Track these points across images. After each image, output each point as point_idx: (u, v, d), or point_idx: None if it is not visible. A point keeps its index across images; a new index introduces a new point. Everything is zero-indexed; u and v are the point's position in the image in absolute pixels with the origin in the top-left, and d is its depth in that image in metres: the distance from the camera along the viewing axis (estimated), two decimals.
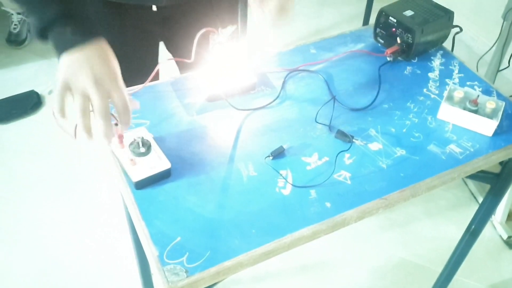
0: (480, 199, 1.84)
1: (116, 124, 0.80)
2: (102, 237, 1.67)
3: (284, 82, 1.03)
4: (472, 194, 1.89)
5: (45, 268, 1.58)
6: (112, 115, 0.75)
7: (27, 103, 2.10)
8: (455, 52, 1.14)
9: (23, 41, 2.39)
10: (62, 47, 0.72)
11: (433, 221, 1.81)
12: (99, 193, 1.81)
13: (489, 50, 1.85)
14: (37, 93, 2.15)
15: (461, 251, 1.27)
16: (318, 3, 2.89)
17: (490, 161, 0.90)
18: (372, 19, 2.64)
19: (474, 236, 1.22)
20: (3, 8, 2.39)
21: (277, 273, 1.62)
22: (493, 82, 1.84)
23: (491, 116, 0.92)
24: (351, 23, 2.75)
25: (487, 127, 0.93)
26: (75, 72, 0.71)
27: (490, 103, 0.94)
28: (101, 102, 0.70)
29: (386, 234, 1.75)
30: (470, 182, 1.90)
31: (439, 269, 1.45)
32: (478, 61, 1.88)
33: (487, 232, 1.75)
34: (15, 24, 2.38)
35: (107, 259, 1.62)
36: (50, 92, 2.19)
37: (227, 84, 0.97)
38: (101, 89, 0.71)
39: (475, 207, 1.87)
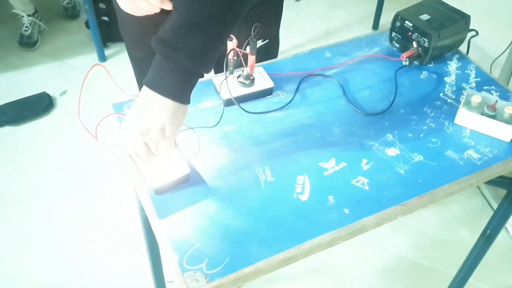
0: (493, 202, 1.83)
1: None
2: (115, 239, 1.68)
3: (299, 87, 1.03)
4: (485, 197, 1.88)
5: (58, 269, 1.59)
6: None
7: (39, 105, 2.11)
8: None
9: (35, 42, 2.41)
10: (179, 89, 0.74)
11: (445, 224, 1.80)
12: (113, 194, 1.82)
13: (503, 52, 1.84)
14: (48, 95, 2.16)
15: (475, 256, 1.27)
16: (327, 4, 2.89)
17: (509, 167, 0.90)
18: (383, 20, 2.68)
19: (489, 241, 1.21)
20: (13, 10, 2.40)
21: (287, 275, 1.62)
22: (507, 85, 1.82)
23: (509, 121, 0.92)
24: (361, 24, 2.74)
25: (505, 132, 0.92)
26: (178, 123, 0.76)
27: (509, 108, 0.93)
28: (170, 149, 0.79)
29: (398, 236, 1.75)
30: (483, 185, 1.89)
31: (452, 272, 1.44)
32: (492, 64, 1.86)
33: (500, 235, 1.74)
34: (26, 27, 2.39)
35: (121, 262, 1.62)
36: (62, 94, 2.20)
37: (244, 89, 0.97)
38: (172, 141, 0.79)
39: (487, 210, 1.87)
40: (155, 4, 0.87)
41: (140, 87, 1.33)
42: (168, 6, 0.86)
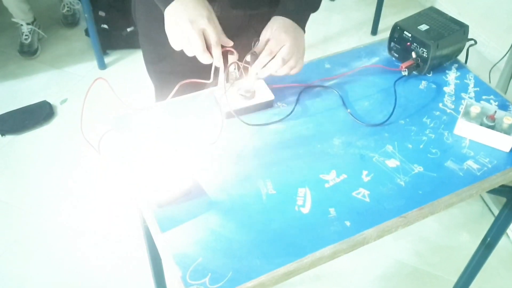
0: (494, 208, 1.83)
1: None
2: (118, 249, 1.68)
3: (299, 98, 1.03)
4: (485, 202, 1.89)
5: (60, 278, 1.59)
6: None
7: (39, 114, 2.12)
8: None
9: (36, 51, 2.42)
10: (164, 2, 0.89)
11: (446, 229, 1.80)
12: (115, 204, 1.82)
13: (502, 57, 1.85)
14: (49, 104, 2.16)
15: (476, 263, 1.27)
16: (326, 9, 2.90)
17: (508, 177, 0.90)
18: (381, 26, 2.69)
19: (490, 249, 1.22)
20: (13, 19, 2.41)
21: (289, 281, 1.62)
22: (506, 91, 1.83)
23: (508, 132, 0.92)
24: (360, 29, 2.75)
25: (505, 143, 0.93)
26: (175, 20, 0.87)
27: (508, 119, 0.94)
28: (198, 36, 0.87)
29: (399, 242, 1.75)
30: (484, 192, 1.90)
31: (453, 278, 1.44)
32: (491, 69, 1.87)
33: (500, 240, 1.74)
34: (26, 35, 2.40)
35: (124, 273, 1.63)
36: (62, 102, 2.21)
37: (245, 102, 0.98)
38: (195, 26, 0.86)
39: (489, 216, 1.87)
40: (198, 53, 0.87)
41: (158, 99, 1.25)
42: (207, 59, 0.87)
